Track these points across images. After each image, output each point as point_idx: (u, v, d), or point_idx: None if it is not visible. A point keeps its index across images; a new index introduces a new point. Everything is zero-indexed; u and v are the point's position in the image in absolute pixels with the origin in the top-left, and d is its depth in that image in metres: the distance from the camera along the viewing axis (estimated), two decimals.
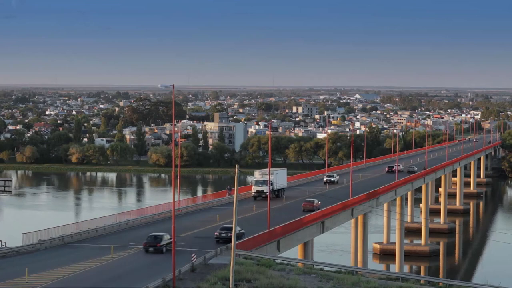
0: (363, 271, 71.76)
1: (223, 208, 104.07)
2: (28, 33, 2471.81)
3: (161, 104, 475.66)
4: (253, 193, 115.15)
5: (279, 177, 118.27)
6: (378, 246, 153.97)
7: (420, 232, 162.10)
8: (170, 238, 72.43)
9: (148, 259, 69.30)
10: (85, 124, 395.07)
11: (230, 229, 76.98)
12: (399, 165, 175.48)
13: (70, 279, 59.81)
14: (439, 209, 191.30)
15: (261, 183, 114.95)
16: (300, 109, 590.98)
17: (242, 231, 79.01)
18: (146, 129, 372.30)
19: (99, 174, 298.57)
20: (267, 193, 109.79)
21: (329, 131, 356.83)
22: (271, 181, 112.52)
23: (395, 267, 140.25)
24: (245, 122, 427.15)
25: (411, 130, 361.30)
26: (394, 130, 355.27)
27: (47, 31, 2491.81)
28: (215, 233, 78.46)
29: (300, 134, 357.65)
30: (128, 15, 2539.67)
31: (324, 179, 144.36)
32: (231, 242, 71.85)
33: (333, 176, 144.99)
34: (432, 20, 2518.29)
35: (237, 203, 56.49)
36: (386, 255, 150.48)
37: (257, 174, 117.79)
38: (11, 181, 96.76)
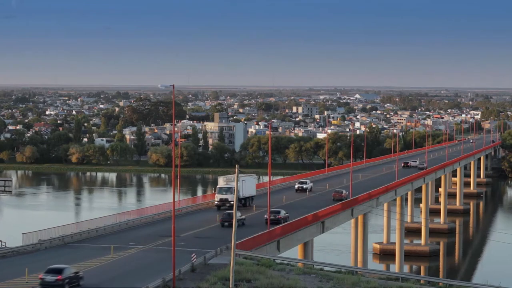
0: (363, 271, 71.82)
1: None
2: (28, 33, 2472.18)
3: (161, 104, 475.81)
4: (216, 202, 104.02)
5: (247, 184, 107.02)
6: (378, 246, 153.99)
7: (420, 232, 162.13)
8: (242, 215, 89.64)
9: (148, 259, 69.37)
10: (85, 124, 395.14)
11: (279, 212, 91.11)
12: (415, 161, 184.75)
13: None
14: (439, 209, 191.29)
15: (226, 191, 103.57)
16: (300, 109, 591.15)
17: (287, 214, 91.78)
18: (146, 129, 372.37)
19: (99, 174, 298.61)
20: (232, 202, 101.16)
21: (329, 131, 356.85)
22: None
23: (395, 267, 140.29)
24: (245, 122, 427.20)
25: (411, 130, 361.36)
26: (394, 130, 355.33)
27: (47, 31, 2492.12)
28: (265, 216, 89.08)
29: (300, 134, 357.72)
30: (128, 15, 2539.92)
31: (296, 187, 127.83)
32: (279, 223, 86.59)
33: (305, 183, 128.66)
34: (432, 20, 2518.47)
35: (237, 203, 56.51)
36: (386, 255, 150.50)
37: (221, 181, 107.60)
38: (11, 181, 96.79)
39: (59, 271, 56.72)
